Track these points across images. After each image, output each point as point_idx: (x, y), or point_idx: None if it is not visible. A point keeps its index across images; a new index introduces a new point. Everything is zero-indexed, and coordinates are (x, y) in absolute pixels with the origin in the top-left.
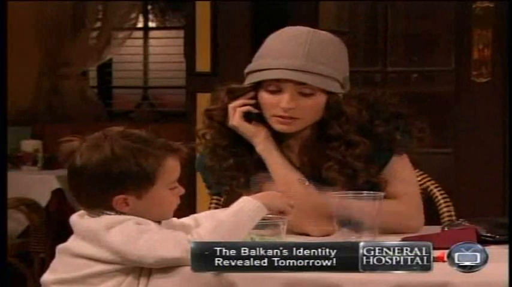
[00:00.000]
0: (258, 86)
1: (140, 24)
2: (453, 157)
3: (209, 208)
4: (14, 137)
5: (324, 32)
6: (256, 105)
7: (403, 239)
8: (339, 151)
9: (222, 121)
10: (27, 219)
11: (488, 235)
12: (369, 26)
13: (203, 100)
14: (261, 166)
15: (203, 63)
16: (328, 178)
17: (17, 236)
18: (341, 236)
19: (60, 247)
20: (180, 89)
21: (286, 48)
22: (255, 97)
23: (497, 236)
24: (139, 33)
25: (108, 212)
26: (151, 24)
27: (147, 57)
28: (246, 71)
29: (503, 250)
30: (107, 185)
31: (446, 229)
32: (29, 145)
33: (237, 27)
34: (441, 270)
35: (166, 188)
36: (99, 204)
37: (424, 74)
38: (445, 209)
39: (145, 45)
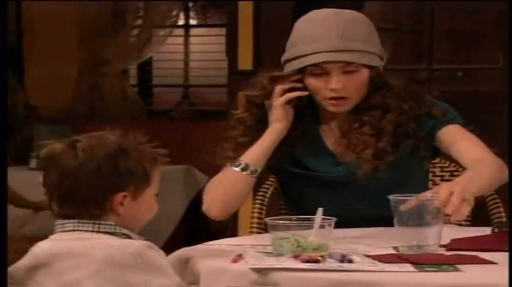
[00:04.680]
0: (300, 72)
1: (181, 22)
2: (501, 158)
3: None
4: (54, 135)
5: (347, 11)
6: (304, 90)
7: (451, 241)
8: (375, 117)
9: (260, 105)
10: None
11: None
12: (415, 24)
13: None
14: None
15: (245, 61)
16: (359, 143)
17: None
18: None
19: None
20: (221, 87)
21: (321, 32)
22: (300, 82)
23: None
24: (180, 31)
25: (104, 223)
26: (192, 22)
27: (188, 55)
28: (282, 59)
29: None
30: (110, 182)
31: (496, 230)
32: None
33: (279, 25)
34: (448, 272)
35: (154, 193)
36: (94, 204)
37: (469, 72)
38: (495, 211)
39: (186, 43)
